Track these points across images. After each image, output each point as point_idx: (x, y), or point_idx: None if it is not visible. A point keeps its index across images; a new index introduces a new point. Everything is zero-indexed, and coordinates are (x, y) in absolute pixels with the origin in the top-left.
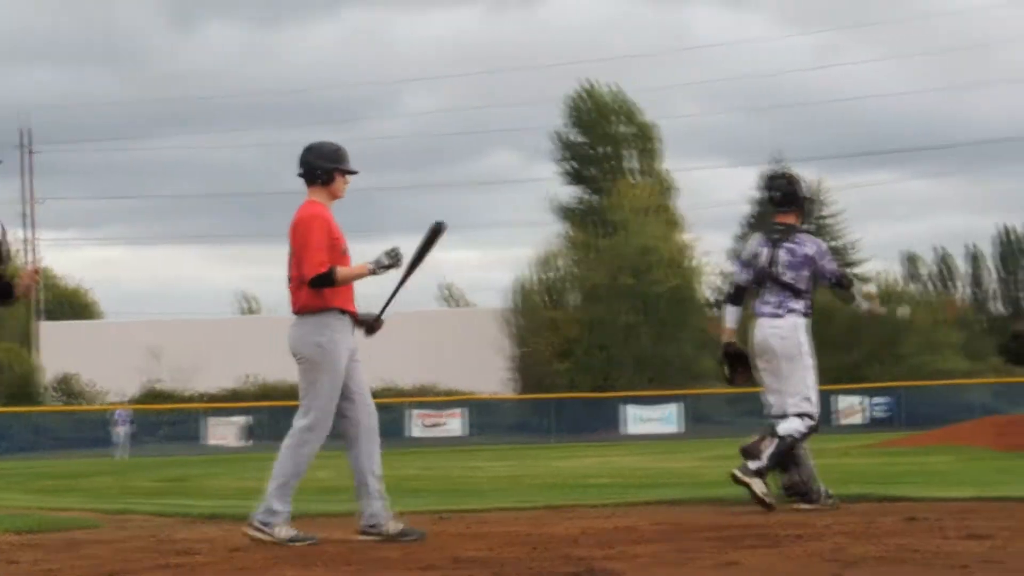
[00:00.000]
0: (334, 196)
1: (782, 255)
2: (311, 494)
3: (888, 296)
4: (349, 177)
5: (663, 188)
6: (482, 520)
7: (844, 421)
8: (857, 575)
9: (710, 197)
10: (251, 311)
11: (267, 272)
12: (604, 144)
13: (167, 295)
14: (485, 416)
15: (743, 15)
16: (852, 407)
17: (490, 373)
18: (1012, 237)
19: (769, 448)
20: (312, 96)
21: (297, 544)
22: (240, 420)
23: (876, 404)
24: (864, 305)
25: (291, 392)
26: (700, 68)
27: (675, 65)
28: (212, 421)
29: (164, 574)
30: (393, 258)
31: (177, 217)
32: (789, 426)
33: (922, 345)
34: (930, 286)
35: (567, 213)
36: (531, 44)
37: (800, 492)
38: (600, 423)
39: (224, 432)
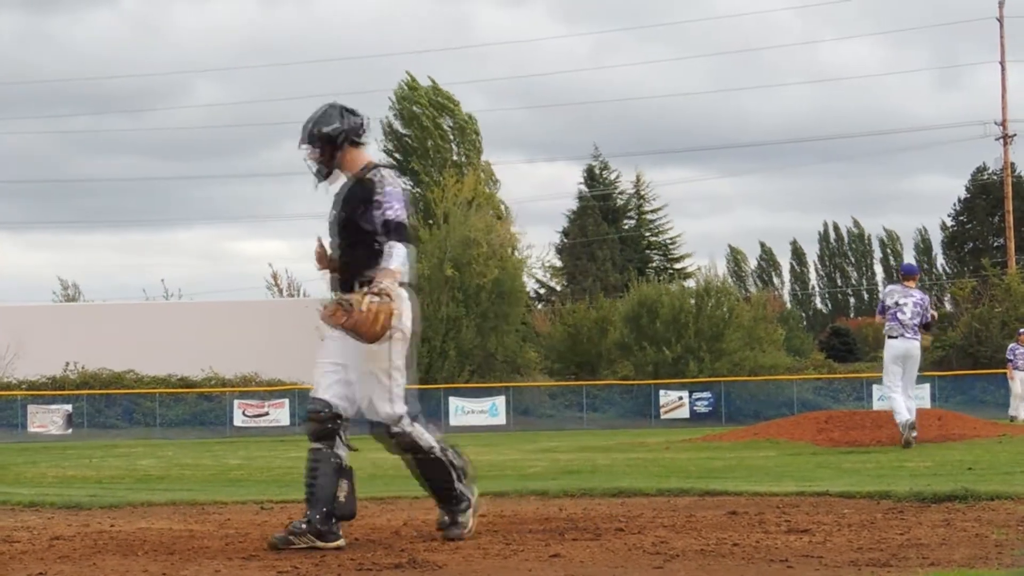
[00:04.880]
0: None
1: None
2: (132, 483)
3: (708, 291)
4: None
5: (486, 180)
6: (304, 510)
7: (665, 415)
8: (679, 568)
9: (507, 192)
10: (71, 298)
11: (73, 258)
12: (429, 137)
13: None
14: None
15: (522, 11)
16: (673, 402)
17: (315, 363)
18: (832, 237)
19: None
20: (99, 84)
21: None
22: (61, 408)
23: (697, 399)
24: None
25: (113, 380)
26: (483, 64)
27: (457, 60)
28: (33, 409)
29: None
30: None
31: None
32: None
33: (744, 340)
34: (752, 282)
35: None
36: (310, 36)
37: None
38: (424, 415)
39: (45, 420)
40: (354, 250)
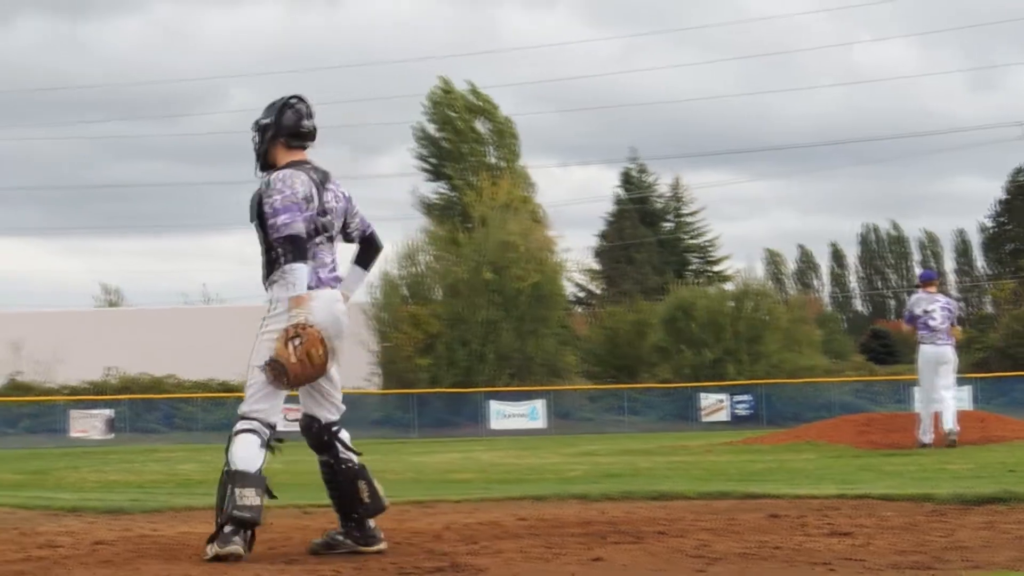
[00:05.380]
0: None
1: (331, 199)
2: (174, 487)
3: (747, 294)
4: None
5: (523, 184)
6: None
7: (706, 418)
8: (720, 571)
9: (540, 196)
10: (113, 304)
11: (113, 264)
12: (464, 140)
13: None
14: (349, 411)
15: (549, 15)
16: (713, 404)
17: (354, 368)
18: (872, 239)
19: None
20: (131, 90)
21: None
22: (102, 413)
23: (737, 402)
24: None
25: (152, 386)
26: (511, 68)
27: (486, 64)
28: (74, 414)
29: (27, 567)
30: None
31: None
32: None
33: (783, 342)
34: (792, 284)
35: (429, 208)
36: (340, 41)
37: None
38: (463, 418)
39: (86, 425)
40: (262, 251)
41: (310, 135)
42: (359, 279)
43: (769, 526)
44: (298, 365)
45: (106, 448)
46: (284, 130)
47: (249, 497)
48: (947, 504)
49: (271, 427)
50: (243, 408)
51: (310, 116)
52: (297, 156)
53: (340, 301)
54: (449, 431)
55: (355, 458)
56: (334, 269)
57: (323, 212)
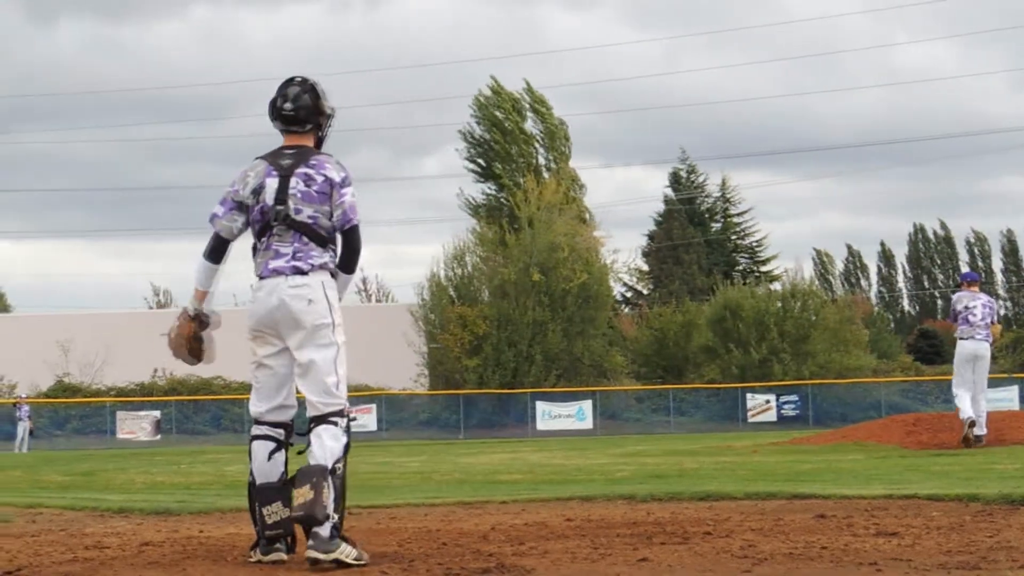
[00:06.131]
0: None
1: (296, 185)
2: (221, 488)
3: (795, 294)
4: None
5: (572, 185)
6: (392, 516)
7: (753, 419)
8: (767, 572)
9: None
10: (162, 305)
11: (162, 266)
12: (513, 141)
13: (51, 290)
14: (396, 412)
15: (592, 16)
16: (760, 405)
17: (402, 369)
18: (921, 238)
19: (328, 493)
20: (172, 93)
21: None
22: (150, 415)
23: (784, 402)
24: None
25: (200, 387)
26: (555, 69)
27: (529, 65)
28: (122, 415)
29: (74, 568)
30: None
31: (46, 212)
32: (333, 446)
33: (830, 343)
34: (840, 284)
35: (475, 209)
36: (381, 43)
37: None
38: (510, 419)
39: (133, 426)
40: None
41: (290, 119)
42: (342, 285)
43: (816, 526)
44: (170, 341)
45: (153, 449)
46: (272, 114)
47: (276, 513)
48: (994, 504)
49: (282, 425)
50: (250, 410)
51: (295, 99)
52: (290, 141)
53: (294, 286)
54: (496, 432)
55: (316, 460)
56: (295, 257)
57: (280, 201)
